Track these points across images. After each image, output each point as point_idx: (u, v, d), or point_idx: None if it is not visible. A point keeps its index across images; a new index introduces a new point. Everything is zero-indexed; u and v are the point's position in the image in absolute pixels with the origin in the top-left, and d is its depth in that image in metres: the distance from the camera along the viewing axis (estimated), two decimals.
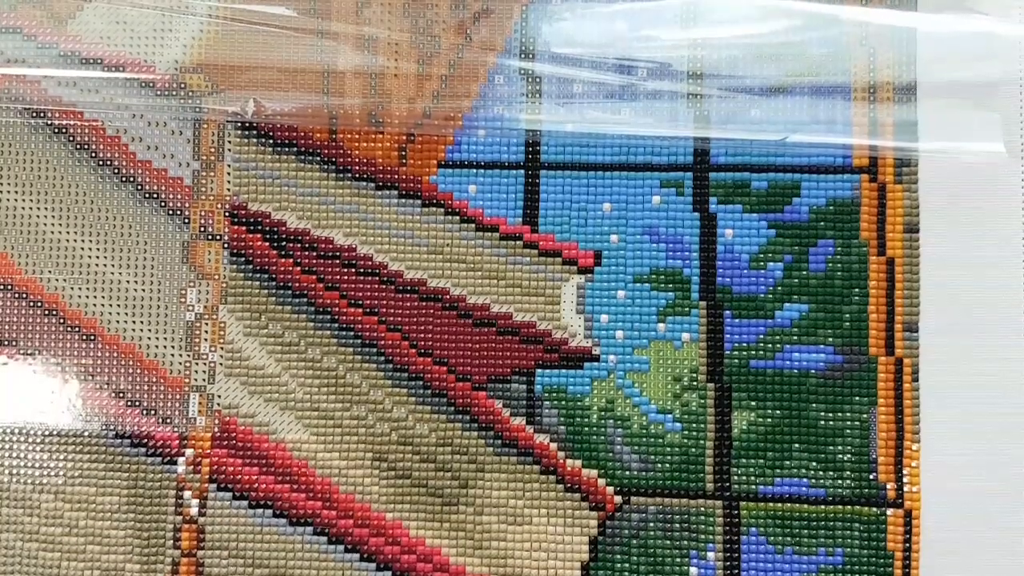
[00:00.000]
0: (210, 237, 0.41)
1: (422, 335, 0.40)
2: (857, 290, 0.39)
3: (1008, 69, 0.39)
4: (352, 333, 0.40)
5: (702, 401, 0.39)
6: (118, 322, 0.40)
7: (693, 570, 0.38)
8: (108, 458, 0.40)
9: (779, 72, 0.39)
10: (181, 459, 0.40)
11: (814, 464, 0.38)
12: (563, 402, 0.39)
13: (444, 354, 0.40)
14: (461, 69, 0.40)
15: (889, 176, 0.39)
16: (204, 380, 0.40)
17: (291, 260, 0.40)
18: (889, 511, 0.38)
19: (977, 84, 0.39)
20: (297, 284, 0.40)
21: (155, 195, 0.41)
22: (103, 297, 0.41)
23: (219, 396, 0.40)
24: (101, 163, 0.41)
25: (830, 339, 0.39)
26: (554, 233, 0.40)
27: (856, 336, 0.39)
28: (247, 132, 0.41)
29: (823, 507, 0.38)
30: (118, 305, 0.41)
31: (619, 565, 0.39)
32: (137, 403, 0.40)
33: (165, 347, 0.40)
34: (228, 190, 0.41)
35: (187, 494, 0.40)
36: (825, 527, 0.38)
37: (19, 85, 0.41)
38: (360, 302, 0.40)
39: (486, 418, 0.39)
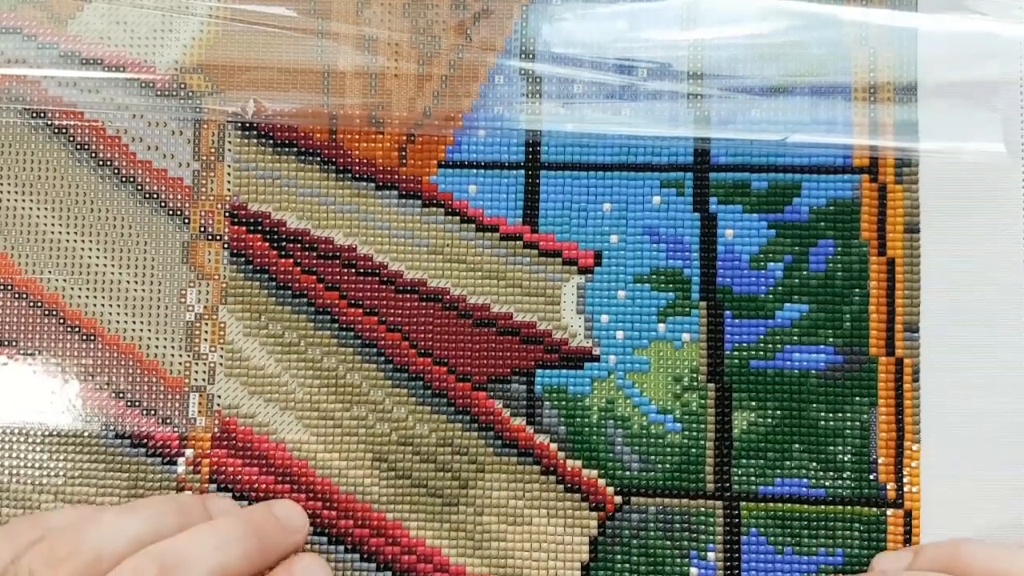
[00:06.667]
0: (210, 237, 0.41)
1: (422, 335, 0.40)
2: (857, 290, 0.39)
3: (1008, 69, 0.39)
4: (352, 333, 0.40)
5: (702, 401, 0.39)
6: (118, 322, 0.40)
7: (693, 570, 0.38)
8: (108, 458, 0.40)
9: (779, 72, 0.39)
10: (181, 459, 0.40)
11: (814, 464, 0.38)
12: (563, 402, 0.39)
13: (444, 354, 0.40)
14: (461, 69, 0.40)
15: (890, 176, 0.39)
16: (204, 380, 0.40)
17: (291, 260, 0.40)
18: (889, 511, 0.38)
19: (977, 84, 0.38)
20: (297, 284, 0.40)
21: (155, 195, 0.41)
22: (103, 297, 0.41)
23: (219, 396, 0.40)
24: (101, 163, 0.41)
25: (830, 339, 0.39)
26: (554, 233, 0.40)
27: (856, 336, 0.39)
28: (247, 132, 0.41)
29: (823, 507, 0.38)
30: (118, 305, 0.41)
31: (619, 565, 0.39)
32: (137, 403, 0.40)
33: (165, 347, 0.40)
34: (228, 190, 0.41)
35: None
36: (825, 527, 0.38)
37: (19, 85, 0.41)
38: (360, 302, 0.40)
39: (486, 418, 0.39)
